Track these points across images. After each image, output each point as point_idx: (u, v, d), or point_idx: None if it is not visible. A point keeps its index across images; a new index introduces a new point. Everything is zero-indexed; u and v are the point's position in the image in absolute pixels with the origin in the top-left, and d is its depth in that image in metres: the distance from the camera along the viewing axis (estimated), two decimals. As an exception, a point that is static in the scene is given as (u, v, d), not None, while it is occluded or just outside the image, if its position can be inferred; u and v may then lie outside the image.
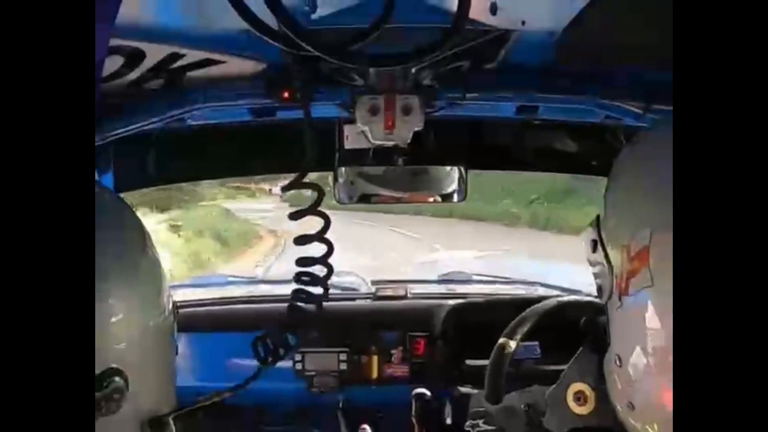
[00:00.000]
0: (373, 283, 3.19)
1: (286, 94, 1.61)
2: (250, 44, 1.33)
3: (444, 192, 2.30)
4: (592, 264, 1.17)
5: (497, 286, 3.57)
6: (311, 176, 1.41)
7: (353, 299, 3.04)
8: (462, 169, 2.25)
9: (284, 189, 1.43)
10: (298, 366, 2.73)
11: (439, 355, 2.75)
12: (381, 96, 1.61)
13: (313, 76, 1.55)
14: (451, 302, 2.84)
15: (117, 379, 1.09)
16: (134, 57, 1.40)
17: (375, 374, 2.78)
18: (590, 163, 2.28)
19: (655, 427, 1.04)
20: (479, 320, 2.53)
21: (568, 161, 2.38)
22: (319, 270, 1.52)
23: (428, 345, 2.78)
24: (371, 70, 1.56)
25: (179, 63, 1.47)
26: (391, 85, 1.61)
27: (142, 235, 1.23)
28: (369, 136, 1.66)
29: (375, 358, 2.78)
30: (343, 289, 3.07)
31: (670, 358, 0.96)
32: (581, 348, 1.24)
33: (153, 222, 11.83)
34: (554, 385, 1.29)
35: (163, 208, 14.51)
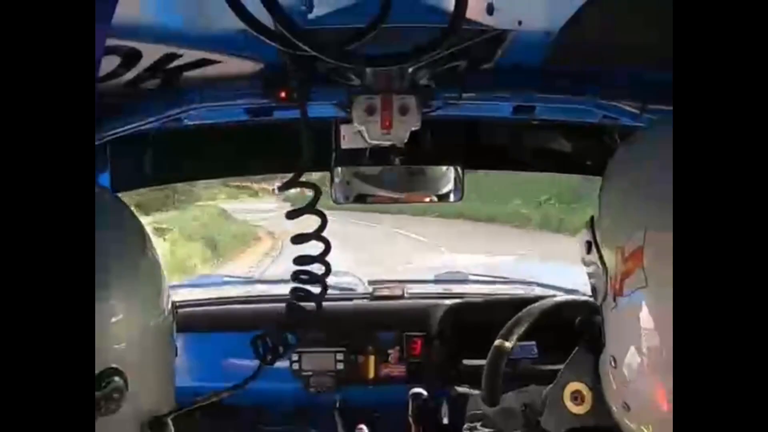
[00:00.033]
0: (370, 283, 3.19)
1: (282, 94, 1.61)
2: (246, 44, 1.33)
3: (440, 192, 2.30)
4: (586, 265, 1.17)
5: (494, 285, 3.57)
6: (311, 177, 1.41)
7: (350, 299, 3.04)
8: (459, 169, 2.25)
9: (281, 188, 1.43)
10: (295, 366, 2.73)
11: (436, 355, 2.75)
12: (378, 96, 1.61)
13: (310, 75, 1.54)
14: (448, 302, 2.84)
15: (116, 379, 1.09)
16: (131, 57, 1.40)
17: (372, 374, 2.78)
18: (587, 163, 2.28)
19: (651, 427, 1.04)
20: (476, 320, 2.53)
21: (565, 161, 2.38)
22: (316, 268, 1.52)
23: (425, 345, 2.79)
24: (368, 69, 1.56)
25: (176, 63, 1.47)
26: (387, 84, 1.61)
27: (141, 235, 1.23)
28: (366, 135, 1.66)
29: (372, 358, 2.78)
30: (340, 289, 3.07)
31: (665, 359, 0.96)
32: (577, 348, 1.24)
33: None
34: (551, 385, 1.29)
35: (148, 210, 13.99)
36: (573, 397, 1.21)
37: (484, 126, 2.25)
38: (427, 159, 2.17)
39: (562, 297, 1.90)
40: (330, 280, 1.53)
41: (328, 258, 1.50)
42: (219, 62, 1.51)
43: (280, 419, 2.90)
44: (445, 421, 2.62)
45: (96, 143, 1.72)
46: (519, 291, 3.37)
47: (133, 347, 1.14)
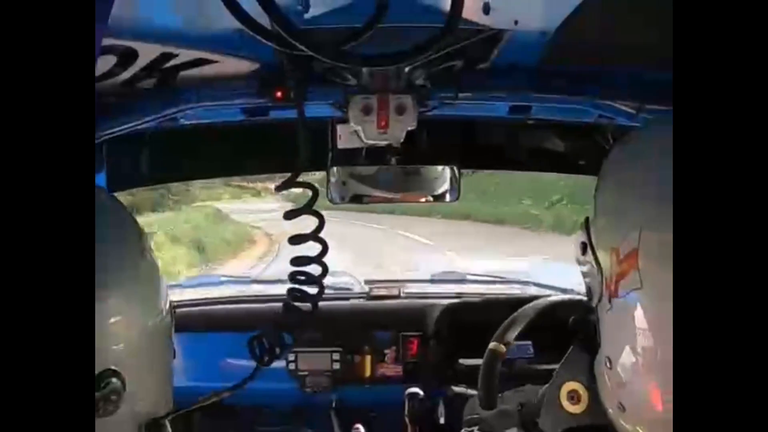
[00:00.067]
0: (367, 282, 3.19)
1: (279, 94, 1.61)
2: (243, 44, 1.33)
3: (436, 192, 2.30)
4: (581, 265, 1.17)
5: (490, 285, 3.57)
6: (310, 177, 1.40)
7: (346, 299, 3.05)
8: (455, 168, 2.25)
9: (278, 188, 1.43)
10: (292, 366, 2.73)
11: (433, 355, 2.75)
12: (374, 96, 1.61)
13: (306, 75, 1.54)
14: (445, 302, 2.85)
15: (114, 380, 1.09)
16: (127, 56, 1.40)
17: (368, 374, 2.79)
18: (583, 163, 2.28)
19: (646, 428, 1.05)
20: (472, 320, 2.53)
21: (561, 161, 2.38)
22: (313, 269, 1.52)
23: (421, 345, 2.79)
24: (364, 69, 1.56)
25: (172, 62, 1.47)
26: (384, 84, 1.61)
27: (139, 236, 1.23)
28: (362, 135, 1.66)
29: (368, 358, 2.79)
30: (337, 288, 3.07)
31: (660, 360, 0.97)
32: (571, 347, 1.24)
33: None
34: (547, 385, 1.29)
35: (139, 211, 13.23)
36: (569, 396, 1.21)
37: (480, 126, 2.26)
38: (423, 159, 2.17)
39: (556, 297, 1.90)
40: (326, 280, 1.53)
41: (325, 260, 1.50)
42: (215, 62, 1.51)
43: (276, 419, 2.90)
44: (442, 421, 2.62)
45: None
46: (515, 290, 3.37)
47: (132, 348, 1.14)
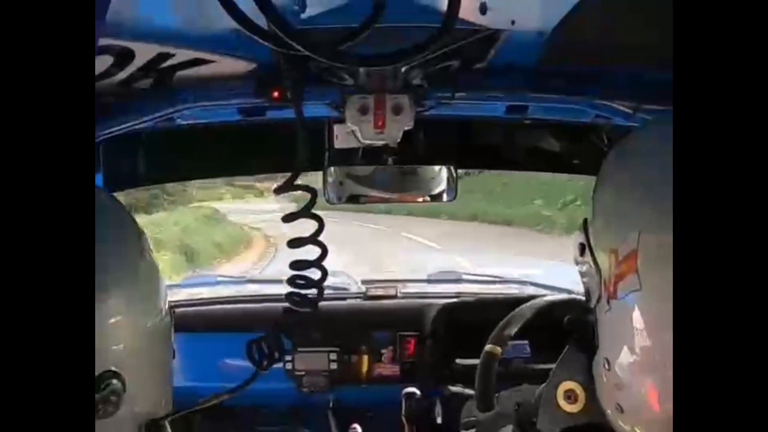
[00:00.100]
0: (364, 282, 3.19)
1: (275, 94, 1.61)
2: (239, 44, 1.33)
3: (433, 192, 2.30)
4: (580, 266, 1.17)
5: (487, 285, 3.57)
6: (307, 178, 1.40)
7: (343, 299, 3.05)
8: (452, 168, 2.25)
9: (277, 191, 1.43)
10: (289, 366, 2.73)
11: (430, 355, 2.75)
12: (371, 96, 1.61)
13: (303, 75, 1.54)
14: (442, 301, 2.85)
15: (114, 381, 1.09)
16: (124, 56, 1.40)
17: (365, 374, 2.79)
18: (580, 163, 2.29)
19: (644, 429, 1.05)
20: (469, 319, 2.53)
21: (558, 161, 2.38)
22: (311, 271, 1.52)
23: (418, 344, 2.79)
24: (361, 69, 1.56)
25: (169, 62, 1.47)
26: (381, 84, 1.61)
27: (139, 236, 1.23)
28: (359, 135, 1.66)
29: (365, 358, 2.79)
30: (334, 288, 3.07)
31: (658, 361, 0.97)
32: (567, 347, 1.24)
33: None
34: (543, 385, 1.29)
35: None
36: (566, 396, 1.21)
37: (477, 126, 2.26)
38: (420, 159, 2.17)
39: (552, 296, 1.90)
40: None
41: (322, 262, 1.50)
42: (212, 62, 1.50)
43: (273, 419, 2.90)
44: (439, 420, 2.62)
45: None
46: (513, 290, 3.37)
47: (132, 349, 1.14)
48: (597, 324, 1.13)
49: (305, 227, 1.45)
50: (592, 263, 1.12)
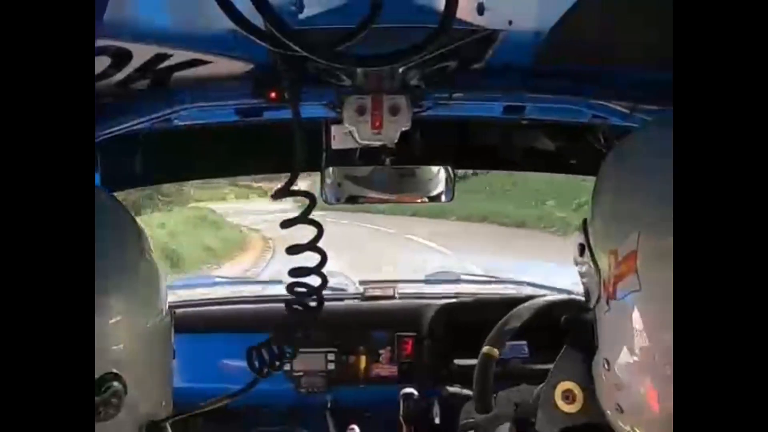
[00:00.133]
0: (361, 283, 3.19)
1: (273, 95, 1.61)
2: (237, 44, 1.33)
3: (432, 193, 2.30)
4: (579, 267, 1.17)
5: (485, 285, 3.57)
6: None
7: (341, 299, 3.04)
8: (449, 169, 2.25)
9: (274, 196, 1.42)
10: (287, 366, 2.73)
11: (427, 355, 2.75)
12: (368, 96, 1.61)
13: (301, 76, 1.54)
14: (439, 302, 2.85)
15: (116, 384, 1.09)
16: (121, 57, 1.40)
17: (363, 374, 2.79)
18: (578, 163, 2.29)
19: (644, 429, 1.05)
20: (467, 320, 2.54)
21: (555, 161, 2.38)
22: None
23: (416, 345, 2.79)
24: (358, 70, 1.56)
25: (166, 63, 1.47)
26: (378, 85, 1.61)
27: (139, 236, 1.23)
28: (356, 136, 1.66)
29: (363, 358, 2.78)
30: (331, 289, 3.06)
31: (658, 361, 0.97)
32: (564, 347, 1.24)
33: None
34: (541, 385, 1.29)
35: None
36: (564, 396, 1.21)
37: (475, 126, 2.26)
38: (417, 159, 2.17)
39: (549, 297, 1.90)
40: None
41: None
42: (209, 62, 1.50)
43: (271, 419, 2.89)
44: (437, 421, 2.62)
45: None
46: (510, 291, 3.37)
47: (132, 349, 1.14)
48: (596, 324, 1.13)
49: (307, 230, 1.44)
50: (591, 264, 1.12)
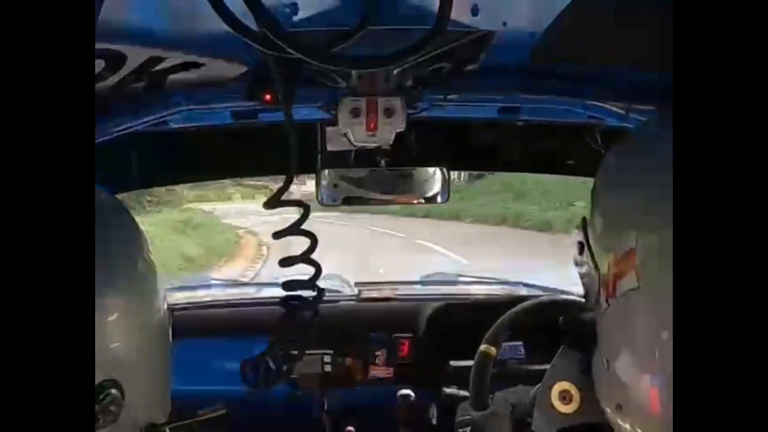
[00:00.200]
0: (357, 284, 3.19)
1: (267, 97, 1.61)
2: (231, 47, 1.33)
3: (428, 194, 2.30)
4: (579, 266, 1.17)
5: (481, 286, 3.57)
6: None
7: (337, 301, 3.04)
8: (445, 170, 2.25)
9: (266, 205, 1.41)
10: (283, 368, 2.72)
11: (424, 356, 2.75)
12: (363, 98, 1.61)
13: (295, 78, 1.54)
14: (435, 303, 2.85)
15: (114, 391, 1.08)
16: (115, 60, 1.40)
17: (360, 376, 2.78)
18: (574, 164, 2.29)
19: (644, 428, 1.05)
20: (463, 321, 2.53)
21: (551, 162, 2.39)
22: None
23: (412, 346, 2.79)
24: (353, 72, 1.55)
25: (161, 66, 1.46)
26: (373, 87, 1.61)
27: (139, 237, 1.23)
28: (351, 138, 1.66)
29: (359, 360, 2.78)
30: (327, 291, 3.06)
31: (658, 360, 0.97)
32: (562, 347, 1.25)
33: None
34: (538, 386, 1.29)
35: None
36: (561, 396, 1.21)
37: (470, 127, 2.26)
38: (412, 160, 2.17)
39: (546, 297, 1.91)
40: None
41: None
42: (204, 65, 1.50)
43: (267, 421, 2.89)
44: (434, 422, 2.62)
45: None
46: (506, 291, 3.37)
47: (130, 353, 1.13)
48: (596, 323, 1.13)
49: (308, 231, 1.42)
50: (590, 262, 1.12)
